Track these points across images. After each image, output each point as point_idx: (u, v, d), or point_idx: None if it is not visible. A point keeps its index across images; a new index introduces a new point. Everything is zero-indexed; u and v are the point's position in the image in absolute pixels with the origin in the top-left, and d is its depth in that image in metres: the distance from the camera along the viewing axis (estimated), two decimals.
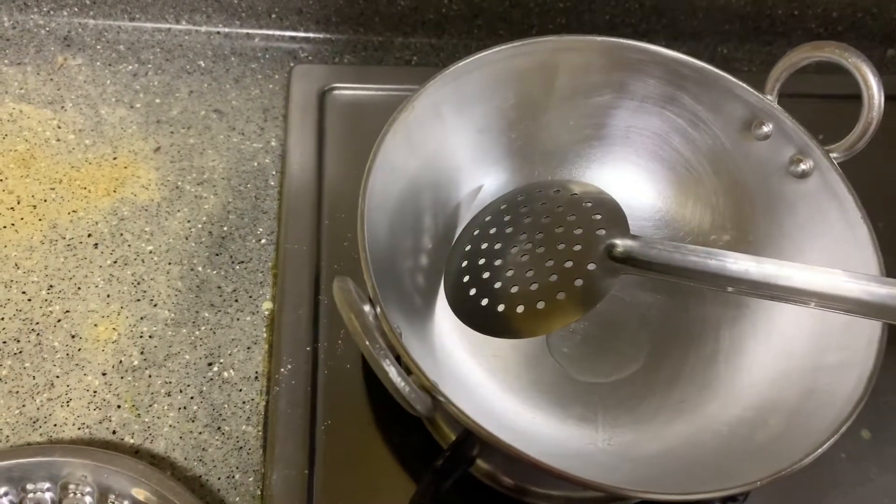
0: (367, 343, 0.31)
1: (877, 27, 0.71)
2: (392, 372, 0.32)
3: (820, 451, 0.35)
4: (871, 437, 0.51)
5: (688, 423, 0.44)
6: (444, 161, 0.48)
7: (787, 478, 0.47)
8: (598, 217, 0.44)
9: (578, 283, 0.41)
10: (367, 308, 0.35)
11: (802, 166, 0.45)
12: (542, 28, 0.67)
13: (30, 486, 0.43)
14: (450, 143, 0.48)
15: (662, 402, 0.46)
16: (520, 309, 0.41)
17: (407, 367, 0.35)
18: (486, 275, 0.44)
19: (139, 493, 0.43)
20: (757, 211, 0.48)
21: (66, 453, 0.43)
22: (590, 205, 0.44)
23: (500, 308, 0.42)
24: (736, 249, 0.47)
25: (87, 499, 0.43)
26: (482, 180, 0.50)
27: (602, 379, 0.48)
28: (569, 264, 0.42)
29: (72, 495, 0.43)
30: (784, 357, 0.44)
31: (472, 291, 0.43)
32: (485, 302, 0.43)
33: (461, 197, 0.49)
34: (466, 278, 0.44)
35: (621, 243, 0.42)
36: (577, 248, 0.42)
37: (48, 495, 0.43)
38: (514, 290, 0.42)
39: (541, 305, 0.41)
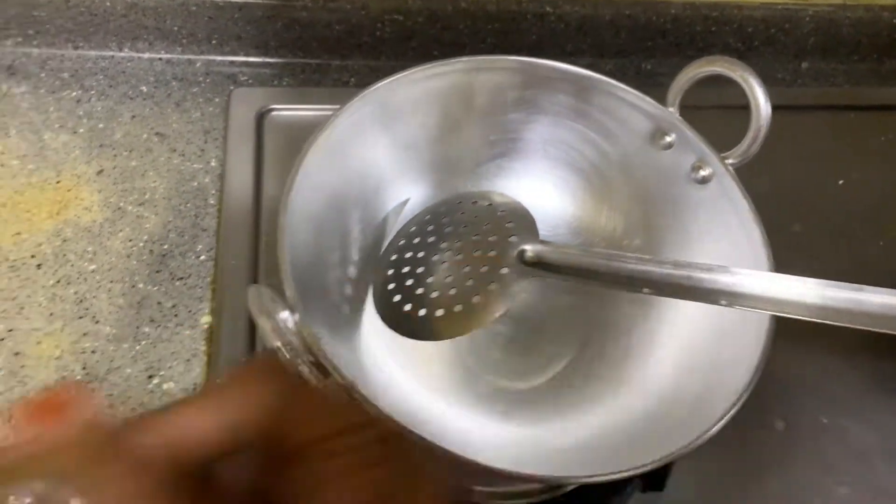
0: (279, 343, 0.34)
1: (790, 41, 0.75)
2: (304, 372, 0.34)
3: (712, 432, 0.38)
4: (784, 427, 0.54)
5: (601, 416, 0.47)
6: (369, 176, 0.50)
7: (707, 468, 0.50)
8: (511, 225, 0.46)
9: (492, 286, 0.44)
10: (285, 314, 0.38)
11: (703, 173, 0.48)
12: (474, 48, 0.70)
13: None
14: (375, 159, 0.50)
15: (580, 397, 0.48)
16: (439, 312, 0.44)
17: (326, 369, 0.37)
18: (409, 282, 0.46)
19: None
20: (664, 216, 0.51)
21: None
22: (503, 214, 0.47)
23: (422, 312, 0.44)
24: (645, 253, 0.50)
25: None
26: (408, 193, 0.53)
27: (525, 383, 0.51)
28: (484, 269, 0.45)
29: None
30: (687, 353, 0.46)
31: (397, 298, 0.46)
32: (408, 307, 0.45)
33: (388, 210, 0.52)
34: (392, 286, 0.47)
35: (531, 248, 0.45)
36: (492, 253, 0.45)
37: None
38: (434, 295, 0.45)
39: (458, 308, 0.44)
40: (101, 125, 0.63)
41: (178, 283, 0.56)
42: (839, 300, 0.36)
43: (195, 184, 0.61)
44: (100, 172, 0.61)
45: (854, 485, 0.52)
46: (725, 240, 0.47)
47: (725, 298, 0.40)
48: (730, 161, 0.47)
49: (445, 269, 0.46)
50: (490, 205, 0.48)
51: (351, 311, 0.48)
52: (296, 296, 0.39)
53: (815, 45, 0.76)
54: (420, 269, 0.47)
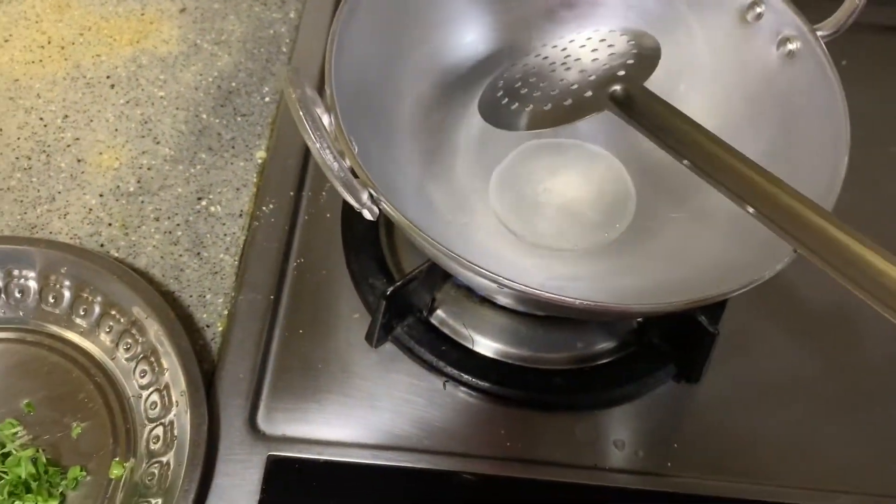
0: (301, 114, 0.33)
1: None
2: (326, 157, 0.34)
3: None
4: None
5: (637, 281, 0.45)
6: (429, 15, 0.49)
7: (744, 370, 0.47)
8: (631, 62, 0.44)
9: (568, 102, 0.44)
10: (322, 114, 0.37)
11: (790, 46, 0.45)
12: None
13: (14, 272, 0.46)
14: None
15: (623, 268, 0.47)
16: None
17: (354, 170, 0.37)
18: (517, 84, 0.47)
19: (113, 291, 0.45)
20: (744, 99, 0.47)
21: (51, 247, 0.46)
22: (632, 45, 0.46)
23: (514, 106, 0.46)
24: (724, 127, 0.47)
25: (66, 292, 0.46)
26: (472, 37, 0.51)
27: (570, 247, 0.49)
28: (575, 87, 0.45)
29: (51, 285, 0.46)
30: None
31: (505, 101, 0.47)
32: (505, 101, 0.46)
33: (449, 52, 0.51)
34: (500, 93, 0.47)
35: (622, 88, 0.43)
36: (592, 78, 0.45)
37: (31, 283, 0.46)
38: (536, 94, 0.46)
39: (547, 108, 0.45)
40: None
41: (239, 118, 0.56)
42: None
43: (271, 31, 0.61)
44: (182, 10, 0.61)
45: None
46: (804, 120, 0.44)
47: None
48: (821, 33, 0.44)
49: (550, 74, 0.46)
50: (623, 34, 0.47)
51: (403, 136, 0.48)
52: (335, 98, 0.38)
53: None
54: (532, 79, 0.47)
